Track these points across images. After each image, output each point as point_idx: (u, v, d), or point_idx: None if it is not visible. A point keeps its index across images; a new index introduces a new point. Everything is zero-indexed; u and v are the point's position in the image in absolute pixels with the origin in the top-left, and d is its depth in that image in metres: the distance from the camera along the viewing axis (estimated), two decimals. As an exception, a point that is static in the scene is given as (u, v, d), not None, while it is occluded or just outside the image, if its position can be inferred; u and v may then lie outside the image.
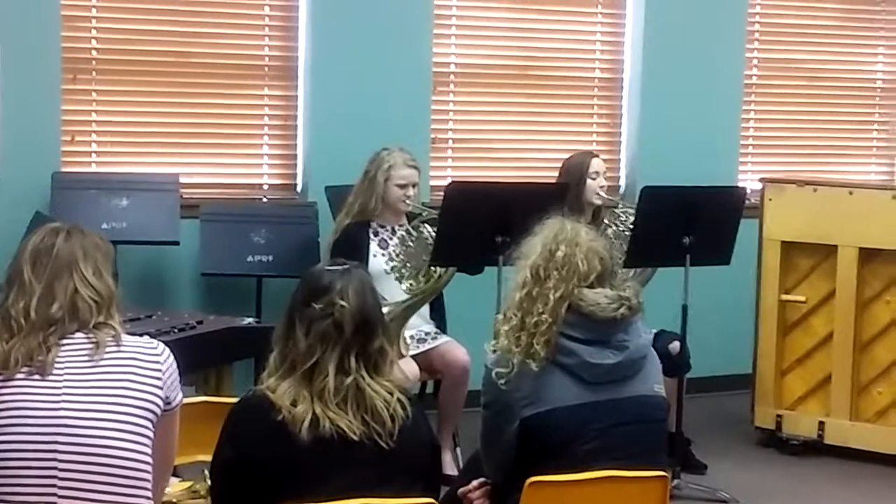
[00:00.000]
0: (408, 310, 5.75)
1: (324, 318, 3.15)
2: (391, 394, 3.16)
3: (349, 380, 3.12)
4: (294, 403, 3.09)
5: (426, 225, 5.81)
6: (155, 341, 3.23)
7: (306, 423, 3.06)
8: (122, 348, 3.14)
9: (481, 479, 3.78)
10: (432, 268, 5.73)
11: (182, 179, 6.50)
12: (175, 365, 3.21)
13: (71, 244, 3.18)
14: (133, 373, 3.12)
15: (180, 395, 3.23)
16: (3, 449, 3.02)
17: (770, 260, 6.72)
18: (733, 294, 7.15)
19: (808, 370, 6.74)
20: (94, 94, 6.58)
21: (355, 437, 3.09)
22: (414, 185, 5.99)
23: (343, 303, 3.16)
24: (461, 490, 3.80)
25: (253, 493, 3.10)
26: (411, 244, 5.82)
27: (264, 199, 6.96)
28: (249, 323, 5.48)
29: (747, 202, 6.35)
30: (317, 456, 3.07)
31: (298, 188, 6.97)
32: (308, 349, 3.14)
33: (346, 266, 3.29)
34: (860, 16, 8.26)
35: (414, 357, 5.82)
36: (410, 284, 5.76)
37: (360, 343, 3.16)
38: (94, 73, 6.55)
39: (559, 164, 6.45)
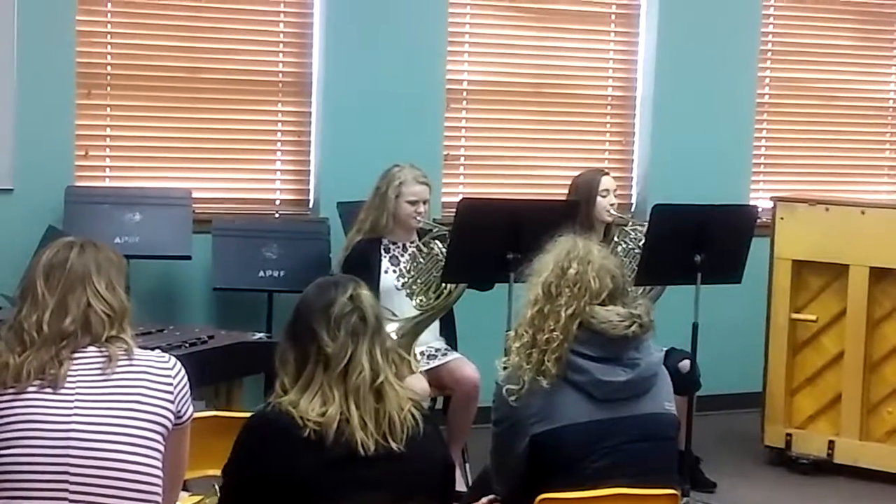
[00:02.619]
0: (418, 326, 5.76)
1: (352, 312, 3.19)
2: (406, 399, 3.20)
3: (381, 378, 3.16)
4: (323, 412, 3.10)
5: (437, 241, 5.81)
6: (166, 355, 3.24)
7: (334, 428, 3.07)
8: (134, 362, 3.15)
9: (491, 496, 3.79)
10: (443, 284, 5.74)
11: (195, 194, 6.52)
12: (186, 379, 3.21)
13: (84, 258, 3.19)
14: (144, 387, 3.12)
15: (191, 409, 3.24)
16: (15, 462, 3.03)
17: (781, 279, 6.71)
18: (744, 312, 7.13)
19: (819, 389, 6.73)
20: (108, 108, 6.61)
21: (371, 451, 3.09)
22: (425, 202, 5.99)
23: (361, 291, 3.24)
24: (471, 507, 3.81)
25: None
26: (422, 260, 5.83)
27: (276, 215, 6.97)
28: (260, 338, 5.48)
29: (759, 221, 6.35)
30: (332, 475, 3.08)
31: (311, 204, 6.98)
32: (342, 347, 3.16)
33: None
34: (873, 36, 8.25)
35: (424, 373, 5.82)
36: (421, 300, 5.77)
37: (381, 337, 3.22)
38: (108, 88, 6.58)
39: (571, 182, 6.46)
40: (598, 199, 6.24)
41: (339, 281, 3.29)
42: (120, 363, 3.12)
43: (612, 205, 6.27)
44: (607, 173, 6.46)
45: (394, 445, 3.12)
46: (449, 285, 5.74)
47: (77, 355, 3.11)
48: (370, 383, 3.14)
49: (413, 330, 5.71)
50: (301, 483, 3.08)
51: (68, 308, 3.13)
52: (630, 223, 6.34)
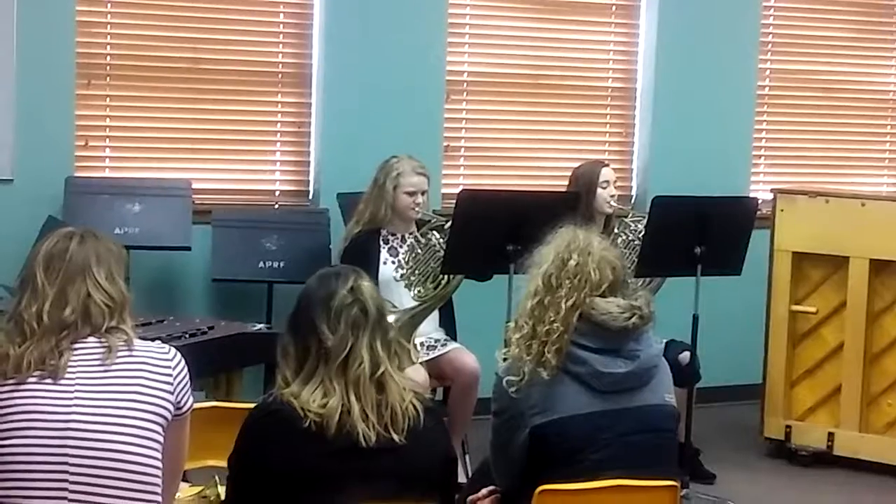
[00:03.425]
0: (417, 317, 5.76)
1: (352, 304, 3.19)
2: (408, 390, 3.19)
3: (382, 370, 3.15)
4: (324, 403, 3.10)
5: (434, 232, 5.82)
6: (166, 346, 3.23)
7: (335, 420, 3.07)
8: (134, 353, 3.14)
9: (490, 488, 3.79)
10: (441, 274, 5.74)
11: (195, 185, 6.53)
12: (186, 370, 3.21)
13: (84, 248, 3.18)
14: (144, 377, 3.12)
15: (191, 400, 3.23)
16: (15, 452, 3.03)
17: (781, 271, 6.71)
18: (744, 304, 7.13)
19: (818, 381, 6.73)
20: (108, 99, 6.60)
21: (372, 442, 3.09)
22: (423, 193, 5.99)
23: (362, 283, 3.23)
24: (470, 498, 3.80)
25: (270, 501, 3.11)
26: (420, 251, 5.83)
27: (276, 206, 6.97)
28: (260, 329, 5.49)
29: (759, 213, 6.35)
30: (334, 466, 3.08)
31: (310, 195, 6.98)
32: (341, 339, 3.15)
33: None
34: (874, 27, 8.26)
35: (424, 364, 5.82)
36: (419, 291, 5.77)
37: (383, 328, 3.21)
38: (108, 78, 6.58)
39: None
40: (599, 190, 6.23)
41: (340, 272, 3.28)
42: (120, 354, 3.12)
43: (612, 196, 6.26)
44: (607, 165, 6.46)
45: (395, 437, 3.12)
46: (447, 275, 5.74)
47: (77, 346, 3.11)
48: (370, 375, 3.14)
49: (412, 321, 5.71)
50: (303, 474, 3.08)
51: (68, 298, 3.13)
52: (630, 215, 6.35)
